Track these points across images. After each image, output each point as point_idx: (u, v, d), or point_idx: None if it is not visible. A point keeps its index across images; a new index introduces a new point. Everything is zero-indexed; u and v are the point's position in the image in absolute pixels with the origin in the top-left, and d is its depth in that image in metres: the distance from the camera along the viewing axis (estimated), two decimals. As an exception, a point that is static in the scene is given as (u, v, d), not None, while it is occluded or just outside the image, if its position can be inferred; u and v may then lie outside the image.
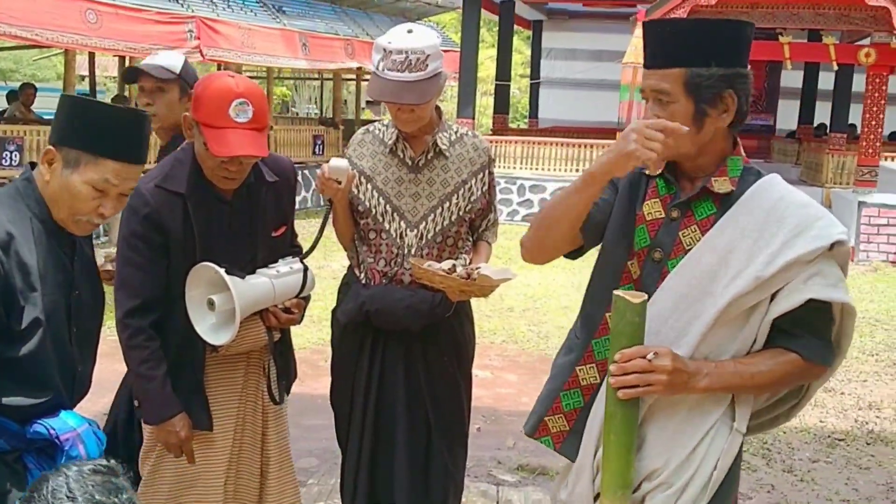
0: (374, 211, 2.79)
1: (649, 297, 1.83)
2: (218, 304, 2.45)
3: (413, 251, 2.78)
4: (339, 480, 3.07)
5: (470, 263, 2.82)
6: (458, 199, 2.81)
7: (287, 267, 2.60)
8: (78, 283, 2.06)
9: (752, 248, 1.81)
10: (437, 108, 2.84)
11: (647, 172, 1.97)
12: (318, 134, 16.34)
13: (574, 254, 2.11)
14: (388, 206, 2.79)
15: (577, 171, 14.73)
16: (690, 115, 1.84)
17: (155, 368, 2.47)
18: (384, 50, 2.62)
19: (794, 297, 1.81)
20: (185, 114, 2.47)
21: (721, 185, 1.88)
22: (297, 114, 25.97)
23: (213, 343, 2.48)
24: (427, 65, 2.61)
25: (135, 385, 2.54)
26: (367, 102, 22.30)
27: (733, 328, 1.85)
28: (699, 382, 1.81)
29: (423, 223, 2.79)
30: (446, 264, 2.66)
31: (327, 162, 2.70)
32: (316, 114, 24.67)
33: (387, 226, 2.79)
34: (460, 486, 3.01)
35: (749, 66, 1.88)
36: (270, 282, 2.53)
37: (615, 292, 1.80)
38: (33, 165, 2.03)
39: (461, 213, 2.82)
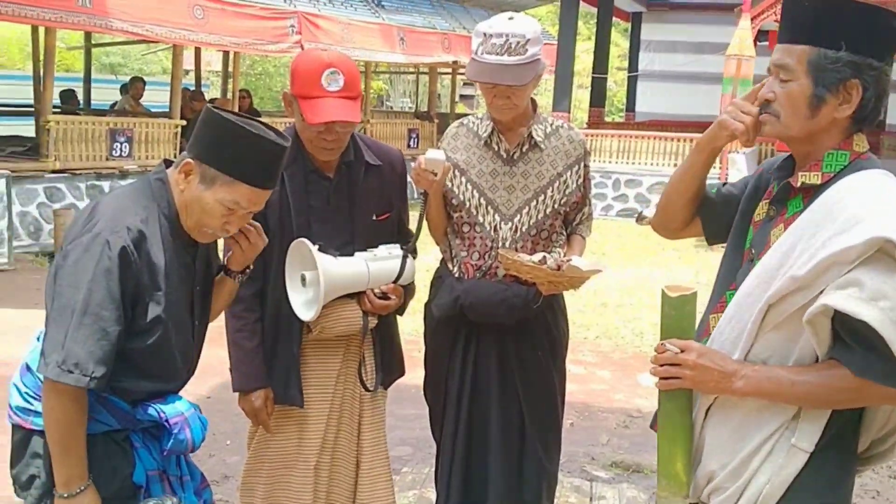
0: (468, 204, 2.79)
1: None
2: (308, 280, 2.52)
3: (507, 244, 2.77)
4: (432, 469, 3.11)
5: (563, 257, 2.80)
6: (552, 191, 2.79)
7: (386, 252, 2.63)
8: (198, 279, 2.14)
9: (804, 247, 1.69)
10: (532, 100, 2.82)
11: (744, 148, 1.95)
12: (413, 127, 16.47)
13: (709, 240, 2.12)
14: (482, 199, 2.78)
15: (674, 165, 14.44)
16: (806, 98, 1.73)
17: (248, 339, 2.58)
18: (484, 34, 2.62)
19: (819, 301, 1.64)
20: (285, 91, 2.57)
21: (807, 178, 1.77)
22: (392, 107, 26.22)
23: (301, 318, 2.55)
24: (526, 49, 2.60)
25: (229, 351, 2.64)
26: (461, 97, 22.34)
27: (789, 333, 1.73)
28: (734, 384, 1.74)
29: (518, 216, 2.78)
30: (537, 256, 2.64)
31: (422, 154, 2.72)
32: (410, 107, 24.86)
33: (481, 219, 2.79)
34: (554, 480, 3.00)
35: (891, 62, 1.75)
36: (364, 263, 2.57)
37: (663, 286, 1.87)
38: (168, 163, 2.10)
39: (556, 206, 2.80)
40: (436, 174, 2.65)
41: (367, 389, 2.73)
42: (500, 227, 2.77)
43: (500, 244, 2.77)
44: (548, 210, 2.79)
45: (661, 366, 1.84)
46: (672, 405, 1.87)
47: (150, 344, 1.99)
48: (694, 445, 1.88)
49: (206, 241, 2.12)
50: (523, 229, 2.78)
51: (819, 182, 1.75)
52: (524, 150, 2.79)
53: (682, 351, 1.81)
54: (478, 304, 2.76)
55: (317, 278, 2.47)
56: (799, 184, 1.78)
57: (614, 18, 18.97)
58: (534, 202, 2.78)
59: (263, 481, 2.71)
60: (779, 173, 1.88)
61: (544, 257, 2.62)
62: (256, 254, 2.23)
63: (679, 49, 18.96)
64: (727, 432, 1.81)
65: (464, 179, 2.80)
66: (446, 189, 2.80)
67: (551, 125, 2.85)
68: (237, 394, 2.66)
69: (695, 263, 10.33)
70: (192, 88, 14.50)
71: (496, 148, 2.80)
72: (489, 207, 2.78)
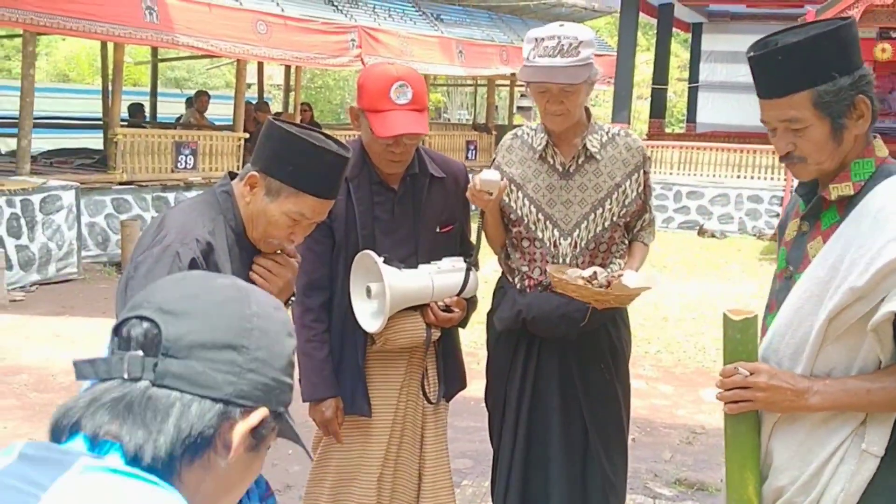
0: (526, 220, 2.75)
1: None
2: (374, 291, 2.53)
3: (567, 260, 2.74)
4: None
5: (621, 269, 2.76)
6: (611, 203, 2.74)
7: (450, 264, 2.63)
8: None
9: (854, 257, 1.69)
10: (587, 109, 2.77)
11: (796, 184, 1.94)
12: (472, 139, 16.50)
13: None
14: (540, 215, 2.75)
15: (737, 176, 14.24)
16: (828, 134, 1.77)
17: (317, 349, 2.59)
18: (535, 39, 2.58)
19: (883, 309, 1.67)
20: (351, 106, 2.58)
21: (840, 190, 1.79)
22: (449, 119, 26.32)
23: (366, 329, 2.56)
24: (579, 51, 2.54)
25: (298, 360, 2.65)
26: (519, 108, 22.31)
27: (850, 344, 1.74)
28: (808, 400, 1.74)
29: (577, 231, 2.74)
30: (588, 271, 2.60)
31: (479, 171, 2.70)
32: (468, 119, 24.91)
33: (540, 234, 2.75)
34: (622, 495, 2.93)
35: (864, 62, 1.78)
36: (429, 276, 2.57)
37: (724, 310, 1.86)
38: (232, 176, 2.13)
39: (615, 218, 2.75)
40: (491, 194, 2.62)
41: (429, 402, 2.72)
42: (560, 243, 2.74)
43: (561, 260, 2.74)
44: (606, 223, 2.74)
45: (729, 390, 1.83)
46: (742, 427, 1.86)
47: None
48: (760, 464, 1.87)
49: (270, 251, 2.14)
50: (582, 244, 2.74)
51: (852, 192, 1.78)
52: (580, 162, 2.74)
53: (751, 374, 1.80)
54: (539, 319, 2.74)
55: (382, 290, 2.48)
56: (834, 196, 1.80)
57: (674, 29, 18.78)
58: (592, 215, 2.73)
59: (327, 492, 2.72)
60: (802, 190, 1.92)
61: (595, 273, 2.58)
62: (283, 283, 2.14)
63: (741, 59, 18.35)
64: (795, 446, 1.81)
65: (521, 194, 2.76)
66: (503, 204, 2.77)
67: (607, 133, 2.79)
68: (305, 404, 2.67)
69: (759, 276, 10.13)
70: (256, 101, 14.75)
71: (551, 161, 2.75)
72: (547, 223, 2.75)
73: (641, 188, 2.80)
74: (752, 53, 1.81)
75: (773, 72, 1.78)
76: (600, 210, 2.73)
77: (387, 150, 2.50)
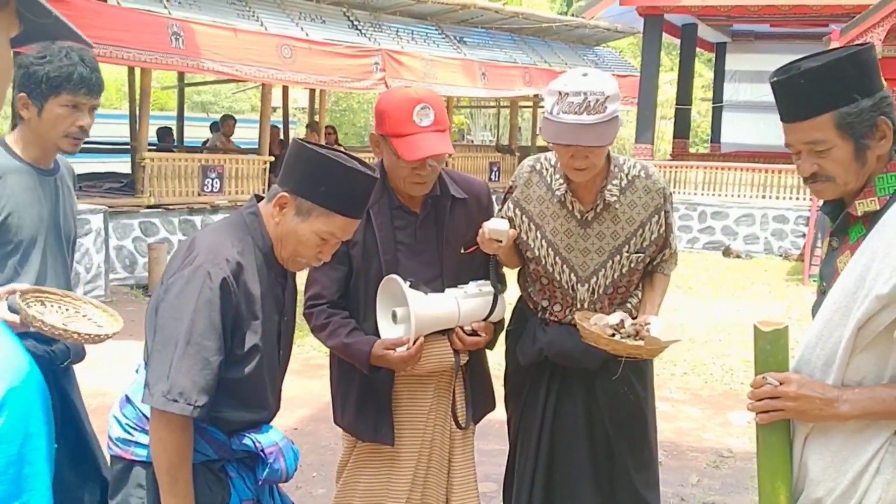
0: (544, 261, 2.74)
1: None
2: (400, 316, 2.53)
3: (586, 305, 2.72)
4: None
5: (642, 303, 2.74)
6: (629, 249, 2.70)
7: (476, 288, 2.62)
8: (287, 310, 2.19)
9: (880, 266, 1.72)
10: (608, 153, 2.70)
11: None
12: (495, 161, 16.53)
13: None
14: (557, 258, 2.72)
15: (762, 196, 14.13)
16: (852, 155, 1.82)
17: (343, 327, 2.56)
18: (559, 93, 2.46)
19: None
20: (371, 133, 2.59)
21: (865, 206, 1.85)
22: (472, 141, 26.38)
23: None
24: (606, 107, 2.44)
25: (339, 354, 2.63)
26: (541, 129, 22.36)
27: (879, 353, 1.77)
28: (839, 409, 1.77)
29: (594, 278, 2.71)
30: (614, 318, 2.57)
31: (487, 223, 2.63)
32: (491, 141, 24.96)
33: (557, 276, 2.74)
34: None
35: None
36: (455, 301, 2.57)
37: (755, 322, 1.90)
38: (259, 198, 2.16)
39: (632, 264, 2.72)
40: (501, 241, 2.60)
41: (459, 426, 2.71)
42: (577, 288, 2.73)
43: (578, 304, 2.73)
44: (624, 269, 2.72)
45: (760, 400, 1.87)
46: (773, 438, 1.89)
47: (247, 373, 2.04)
48: (794, 476, 1.88)
49: (298, 269, 2.18)
50: (600, 291, 2.72)
51: (878, 207, 1.83)
52: (598, 210, 2.69)
53: (781, 383, 1.83)
54: (562, 355, 2.74)
55: (408, 315, 2.48)
56: (860, 212, 1.85)
57: (698, 49, 18.74)
58: (609, 263, 2.70)
59: (354, 516, 2.71)
60: (827, 208, 1.97)
61: (622, 321, 2.56)
62: None
63: (765, 79, 18.21)
64: (829, 456, 1.81)
65: (539, 234, 2.73)
66: (521, 241, 2.76)
67: (627, 176, 2.71)
68: (334, 426, 2.66)
69: (786, 298, 10.03)
70: (280, 125, 14.86)
71: (570, 207, 2.71)
72: (565, 266, 2.72)
73: (662, 228, 2.75)
74: (774, 78, 1.86)
75: (796, 95, 1.83)
76: (618, 257, 2.70)
77: (413, 173, 2.51)
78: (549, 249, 2.73)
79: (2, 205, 2.47)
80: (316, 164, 2.02)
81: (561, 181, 2.71)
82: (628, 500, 2.80)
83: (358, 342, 2.54)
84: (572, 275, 2.72)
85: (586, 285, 2.72)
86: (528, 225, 2.74)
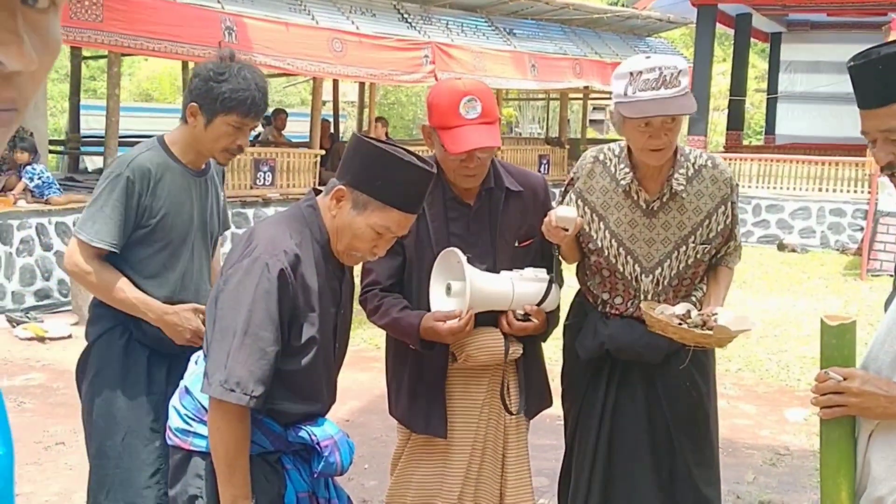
0: (606, 252, 2.70)
1: None
2: (454, 290, 2.52)
3: (649, 296, 2.68)
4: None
5: (707, 296, 2.70)
6: (694, 240, 2.66)
7: (533, 273, 2.60)
8: (343, 303, 2.20)
9: None
10: None
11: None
12: (544, 153, 16.42)
13: None
14: (620, 249, 2.69)
15: (819, 189, 13.85)
16: None
17: (394, 306, 2.55)
18: (630, 74, 2.44)
19: None
20: (423, 125, 2.59)
21: None
22: (521, 134, 26.27)
23: None
24: (680, 81, 2.44)
25: (391, 331, 2.64)
26: (591, 122, 22.14)
27: None
28: None
29: (659, 269, 2.68)
30: (680, 308, 2.54)
31: (553, 209, 2.62)
32: (539, 133, 24.82)
33: (620, 268, 2.70)
34: None
35: None
36: (510, 282, 2.55)
37: (822, 315, 1.90)
38: (317, 192, 2.17)
39: (698, 255, 2.68)
40: (567, 230, 2.56)
41: (509, 412, 2.69)
42: (641, 279, 2.69)
43: (642, 296, 2.69)
44: (689, 261, 2.68)
45: (823, 395, 1.84)
46: (836, 433, 1.86)
47: (304, 365, 2.05)
48: (858, 473, 1.85)
49: (353, 263, 2.19)
50: (665, 282, 2.68)
51: None
52: (664, 199, 2.66)
53: (845, 379, 1.81)
54: (624, 349, 2.70)
55: (462, 289, 2.47)
56: None
57: (752, 39, 18.41)
58: (675, 253, 2.67)
59: (407, 506, 2.71)
60: None
61: (688, 311, 2.52)
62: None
63: (822, 69, 18.18)
64: (893, 455, 1.79)
65: (602, 225, 2.70)
66: (583, 233, 2.72)
67: (693, 165, 2.68)
68: (389, 419, 2.66)
69: (844, 293, 9.81)
70: (331, 119, 14.94)
71: (635, 197, 2.67)
72: (628, 258, 2.69)
73: (729, 220, 2.71)
74: (851, 63, 1.80)
75: (873, 82, 1.77)
76: (683, 248, 2.67)
77: (461, 165, 2.50)
78: (613, 240, 2.69)
79: (160, 204, 2.59)
80: (373, 157, 2.03)
81: (626, 170, 2.67)
82: (689, 498, 2.75)
83: (408, 315, 2.54)
84: (636, 265, 2.69)
85: (651, 276, 2.68)
86: (591, 216, 2.71)
